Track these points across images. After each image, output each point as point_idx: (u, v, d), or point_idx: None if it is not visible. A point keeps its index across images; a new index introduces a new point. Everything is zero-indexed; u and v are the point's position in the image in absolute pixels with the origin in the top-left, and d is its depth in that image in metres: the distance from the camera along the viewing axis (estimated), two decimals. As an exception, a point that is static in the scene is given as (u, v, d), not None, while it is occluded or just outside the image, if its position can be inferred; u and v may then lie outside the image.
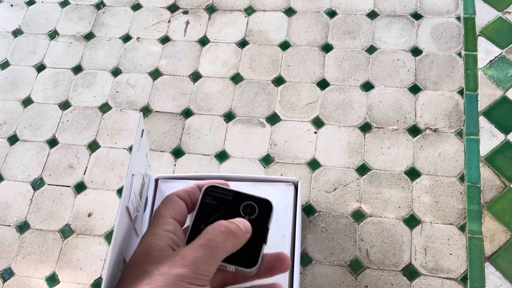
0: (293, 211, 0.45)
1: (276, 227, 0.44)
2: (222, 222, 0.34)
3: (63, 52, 0.77)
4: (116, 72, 0.74)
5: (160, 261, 0.31)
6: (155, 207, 0.47)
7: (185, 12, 0.78)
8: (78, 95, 0.73)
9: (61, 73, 0.75)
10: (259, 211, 0.38)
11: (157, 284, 0.30)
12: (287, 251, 0.44)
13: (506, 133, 0.62)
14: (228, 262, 0.35)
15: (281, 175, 0.63)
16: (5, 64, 0.77)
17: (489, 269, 0.55)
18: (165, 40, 0.76)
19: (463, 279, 0.55)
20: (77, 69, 0.75)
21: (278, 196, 0.46)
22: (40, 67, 0.76)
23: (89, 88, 0.73)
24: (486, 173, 0.60)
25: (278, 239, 0.44)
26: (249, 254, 0.36)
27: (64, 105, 0.72)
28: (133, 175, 0.38)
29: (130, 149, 0.68)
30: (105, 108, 0.71)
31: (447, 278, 0.56)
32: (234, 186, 0.45)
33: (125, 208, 0.37)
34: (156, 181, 0.49)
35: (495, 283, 0.55)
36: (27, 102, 0.73)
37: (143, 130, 0.40)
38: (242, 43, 0.74)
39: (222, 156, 0.66)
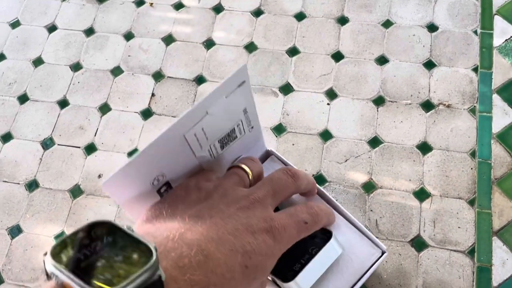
0: (361, 276, 0.44)
1: (336, 278, 0.43)
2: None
3: (75, 14, 0.76)
4: (128, 36, 0.73)
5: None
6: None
7: (200, -21, 0.77)
8: (90, 58, 0.72)
9: (73, 34, 0.74)
10: (318, 239, 0.42)
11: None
12: None
13: (518, 111, 0.62)
14: (275, 275, 0.40)
15: (292, 144, 0.63)
16: (16, 24, 0.76)
17: (496, 243, 0.56)
18: (179, 6, 0.75)
19: (471, 252, 0.56)
20: (89, 32, 0.74)
21: (359, 253, 0.44)
22: (52, 28, 0.75)
23: (101, 51, 0.73)
24: (497, 150, 0.61)
25: None
26: (289, 269, 0.40)
27: (76, 67, 0.72)
28: (207, 113, 0.36)
29: (142, 113, 0.67)
30: (117, 71, 0.71)
31: (454, 251, 0.56)
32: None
33: (182, 136, 0.36)
34: (268, 153, 0.49)
35: (502, 257, 0.55)
36: (37, 62, 0.73)
37: (244, 81, 0.37)
38: (257, 12, 0.73)
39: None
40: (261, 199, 0.35)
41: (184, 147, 0.37)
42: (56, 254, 0.23)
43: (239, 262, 0.30)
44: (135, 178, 0.35)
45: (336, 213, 0.46)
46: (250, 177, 0.38)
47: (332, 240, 0.41)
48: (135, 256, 0.24)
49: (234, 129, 0.41)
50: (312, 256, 0.40)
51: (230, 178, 0.37)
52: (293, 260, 0.40)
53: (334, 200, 0.46)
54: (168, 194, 0.37)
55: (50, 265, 0.23)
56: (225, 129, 0.40)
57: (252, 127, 0.43)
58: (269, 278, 0.41)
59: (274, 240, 0.32)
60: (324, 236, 0.42)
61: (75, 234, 0.24)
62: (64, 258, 0.23)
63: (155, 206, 0.35)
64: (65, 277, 0.22)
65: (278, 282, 0.40)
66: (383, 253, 0.45)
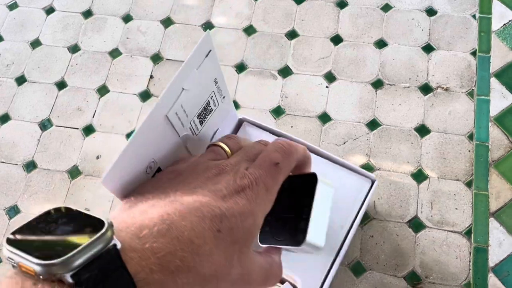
0: (359, 208, 0.45)
1: (337, 216, 0.44)
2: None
3: (73, -4, 0.76)
4: (127, 18, 0.73)
5: None
6: None
7: (199, -38, 0.76)
8: (88, 39, 0.72)
9: (71, 16, 0.74)
10: (305, 187, 0.38)
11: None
12: (338, 243, 0.44)
13: (516, 95, 0.63)
14: (278, 244, 0.37)
15: (291, 126, 0.64)
16: (14, 6, 0.76)
17: (493, 224, 0.57)
18: (177, -11, 0.75)
19: (468, 233, 0.56)
20: (87, 14, 0.74)
21: (350, 187, 0.46)
22: (49, 10, 0.75)
23: (99, 33, 0.72)
24: (494, 133, 0.61)
25: (336, 228, 0.44)
26: (296, 231, 0.37)
27: (74, 49, 0.71)
28: (183, 89, 0.36)
29: (140, 95, 0.67)
30: (115, 53, 0.71)
31: (451, 231, 0.57)
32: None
33: (164, 117, 0.36)
34: (240, 121, 0.49)
35: (499, 238, 0.56)
36: (35, 44, 0.72)
37: (210, 50, 0.37)
38: (256, -4, 0.73)
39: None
40: (233, 165, 0.33)
41: (168, 129, 0.37)
42: (12, 240, 0.23)
43: (208, 227, 0.28)
44: (130, 169, 0.35)
45: (318, 156, 0.47)
46: (228, 154, 0.37)
47: (319, 182, 0.38)
48: (87, 229, 0.23)
49: (209, 101, 0.41)
50: (309, 206, 0.37)
51: (205, 155, 0.36)
52: (294, 221, 0.38)
53: (310, 144, 0.47)
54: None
55: (5, 249, 0.23)
56: (201, 102, 0.40)
57: (224, 97, 0.43)
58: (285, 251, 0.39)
59: (248, 199, 0.31)
60: (310, 181, 0.39)
61: (31, 221, 0.25)
62: (19, 242, 0.23)
63: (128, 196, 0.34)
64: (18, 257, 0.22)
65: (293, 249, 0.38)
66: (373, 182, 0.46)
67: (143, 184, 0.35)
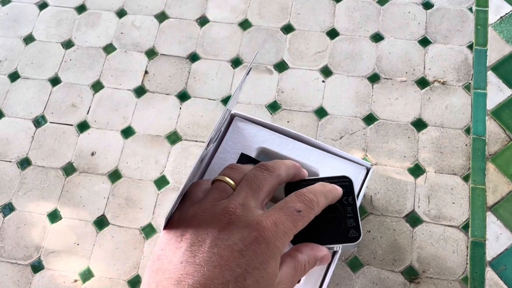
0: (358, 193, 0.46)
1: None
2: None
3: (66, -9, 0.75)
4: (121, 13, 0.72)
5: None
6: (225, 141, 0.48)
7: (193, -44, 0.76)
8: (82, 35, 0.71)
9: (64, 12, 0.73)
10: (345, 186, 0.41)
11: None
12: None
13: (513, 88, 0.62)
14: (335, 243, 0.39)
15: (287, 121, 0.63)
16: (6, 1, 0.75)
17: (490, 218, 0.56)
18: (172, -17, 0.74)
19: (465, 227, 0.56)
20: (81, 9, 0.73)
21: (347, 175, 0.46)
22: (43, 5, 0.74)
23: (93, 28, 0.72)
24: (491, 127, 0.61)
25: None
26: (348, 229, 0.39)
27: (67, 44, 0.71)
28: (227, 109, 0.39)
29: (135, 91, 0.67)
30: (109, 48, 0.70)
31: (449, 226, 0.56)
32: (307, 152, 0.48)
33: (209, 139, 0.39)
34: (232, 116, 0.49)
35: (496, 232, 0.56)
36: (28, 39, 0.72)
37: (250, 68, 0.39)
38: (251, -10, 0.72)
39: (228, 101, 0.65)
40: (241, 205, 0.33)
41: (204, 148, 0.40)
42: None
43: None
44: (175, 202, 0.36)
45: (312, 147, 0.49)
46: (233, 187, 0.36)
47: (353, 181, 0.42)
48: None
49: (228, 110, 0.43)
50: (354, 204, 0.40)
51: (210, 195, 0.36)
52: (340, 220, 0.39)
53: (304, 136, 0.48)
54: (161, 235, 0.36)
55: None
56: (228, 113, 0.43)
57: (236, 102, 0.46)
58: (336, 249, 0.40)
59: (267, 243, 0.31)
60: (344, 182, 0.41)
61: None
62: None
63: (155, 253, 0.34)
64: None
65: (341, 246, 0.39)
66: (368, 169, 0.47)
67: (162, 241, 0.34)
